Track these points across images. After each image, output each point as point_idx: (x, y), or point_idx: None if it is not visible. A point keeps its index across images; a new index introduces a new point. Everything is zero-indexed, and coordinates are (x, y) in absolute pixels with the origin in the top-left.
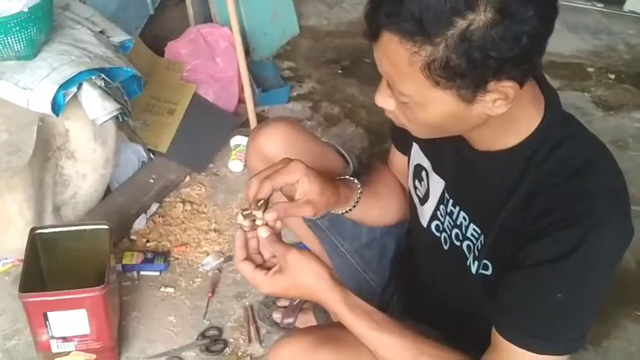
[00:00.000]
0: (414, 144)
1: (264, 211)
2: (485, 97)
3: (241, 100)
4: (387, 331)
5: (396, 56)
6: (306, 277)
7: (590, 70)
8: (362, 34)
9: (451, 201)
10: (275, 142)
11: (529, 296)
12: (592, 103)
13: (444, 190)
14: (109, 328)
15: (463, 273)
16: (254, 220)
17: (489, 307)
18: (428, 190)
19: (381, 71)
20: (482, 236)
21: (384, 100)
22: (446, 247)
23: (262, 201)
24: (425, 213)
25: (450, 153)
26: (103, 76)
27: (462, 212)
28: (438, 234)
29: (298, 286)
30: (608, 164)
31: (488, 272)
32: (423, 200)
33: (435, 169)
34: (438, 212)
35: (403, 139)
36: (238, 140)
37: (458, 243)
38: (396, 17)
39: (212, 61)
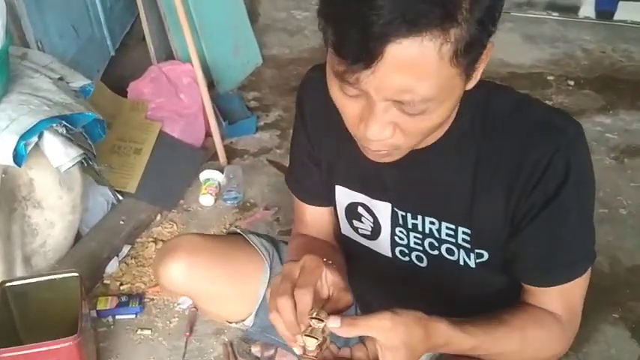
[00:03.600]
0: (337, 187)
1: (319, 318)
2: (481, 61)
3: (209, 134)
4: (498, 328)
5: (421, 60)
6: (415, 330)
7: (550, 78)
8: (350, 64)
9: (409, 215)
10: (177, 279)
11: (553, 234)
12: None
13: (392, 212)
14: None
15: (457, 273)
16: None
17: (494, 281)
18: (376, 221)
19: (382, 95)
20: (459, 229)
21: (384, 128)
22: (423, 265)
23: (314, 311)
24: (383, 244)
25: (386, 170)
26: (64, 123)
27: (427, 219)
28: (406, 258)
29: (413, 347)
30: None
31: (485, 259)
32: (374, 234)
33: (375, 197)
34: (396, 237)
35: (317, 190)
36: (208, 174)
37: (435, 252)
38: (423, 16)
39: (176, 97)
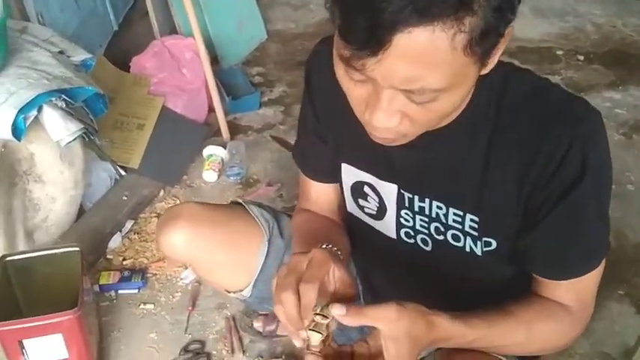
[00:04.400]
0: (343, 164)
1: (324, 314)
2: (498, 48)
3: (212, 110)
4: (503, 320)
5: (431, 50)
6: (419, 323)
7: (559, 52)
8: (356, 49)
9: (416, 197)
10: (177, 247)
11: (570, 228)
12: (563, 85)
13: (398, 194)
14: (88, 351)
15: (463, 260)
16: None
17: (501, 270)
18: (381, 201)
19: (389, 83)
20: (467, 216)
21: (390, 117)
22: (429, 248)
23: (317, 307)
24: (388, 225)
25: (395, 150)
26: (63, 97)
27: (434, 203)
28: (411, 240)
29: (416, 339)
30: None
31: (492, 247)
32: (379, 214)
33: (382, 177)
34: (402, 219)
35: (323, 167)
36: (211, 150)
37: (441, 237)
38: (435, 5)
39: (178, 72)
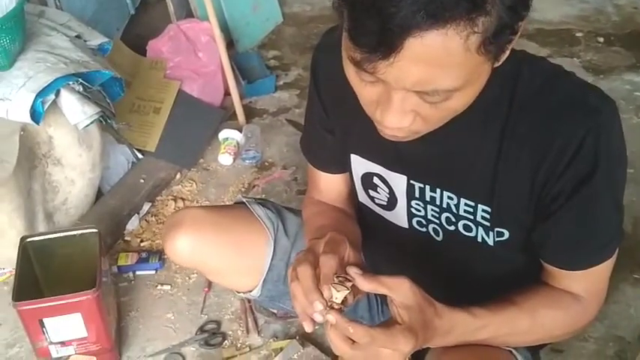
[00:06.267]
0: (352, 156)
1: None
2: (511, 42)
3: (227, 93)
4: (507, 308)
5: (444, 53)
6: (428, 304)
7: (579, 34)
8: (367, 53)
9: (428, 187)
10: (183, 254)
11: (585, 219)
12: (582, 68)
13: (408, 185)
14: (106, 330)
15: (474, 250)
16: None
17: (511, 259)
18: (391, 192)
19: (401, 85)
20: (479, 206)
21: (402, 117)
22: (439, 238)
23: (337, 277)
24: (399, 215)
25: (406, 142)
26: (80, 80)
27: (445, 193)
28: (423, 229)
29: (426, 316)
30: (559, 67)
31: (505, 237)
32: (390, 205)
33: (390, 168)
34: (413, 209)
35: (331, 158)
36: (227, 134)
37: (452, 227)
38: (447, 10)
39: (194, 56)
